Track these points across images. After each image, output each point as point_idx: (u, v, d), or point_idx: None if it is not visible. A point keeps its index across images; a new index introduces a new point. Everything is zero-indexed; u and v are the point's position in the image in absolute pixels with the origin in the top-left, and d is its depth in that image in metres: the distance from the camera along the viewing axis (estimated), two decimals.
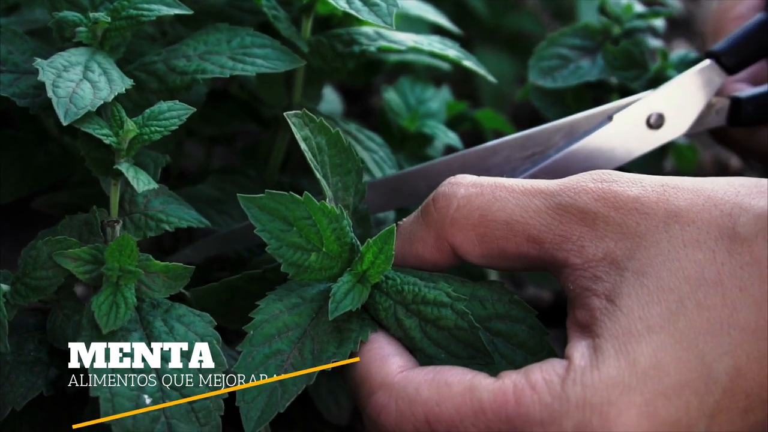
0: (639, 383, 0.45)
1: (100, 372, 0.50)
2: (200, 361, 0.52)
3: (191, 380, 0.51)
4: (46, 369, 0.54)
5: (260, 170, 0.71)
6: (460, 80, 0.99)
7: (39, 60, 0.53)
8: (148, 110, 0.55)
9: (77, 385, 0.54)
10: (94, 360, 0.50)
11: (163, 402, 0.50)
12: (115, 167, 0.53)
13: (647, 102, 0.62)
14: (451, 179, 0.54)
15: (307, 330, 0.52)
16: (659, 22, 0.78)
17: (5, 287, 0.52)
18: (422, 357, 0.52)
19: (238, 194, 0.52)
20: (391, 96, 0.79)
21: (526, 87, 0.76)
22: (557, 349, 0.52)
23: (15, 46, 0.57)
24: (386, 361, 0.51)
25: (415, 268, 0.55)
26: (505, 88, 1.05)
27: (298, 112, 0.55)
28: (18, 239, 0.60)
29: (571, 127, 0.62)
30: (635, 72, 0.72)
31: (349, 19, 0.68)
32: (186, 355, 0.52)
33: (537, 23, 1.12)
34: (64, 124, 0.51)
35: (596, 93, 0.76)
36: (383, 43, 0.66)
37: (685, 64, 0.72)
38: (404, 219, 0.56)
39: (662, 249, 0.48)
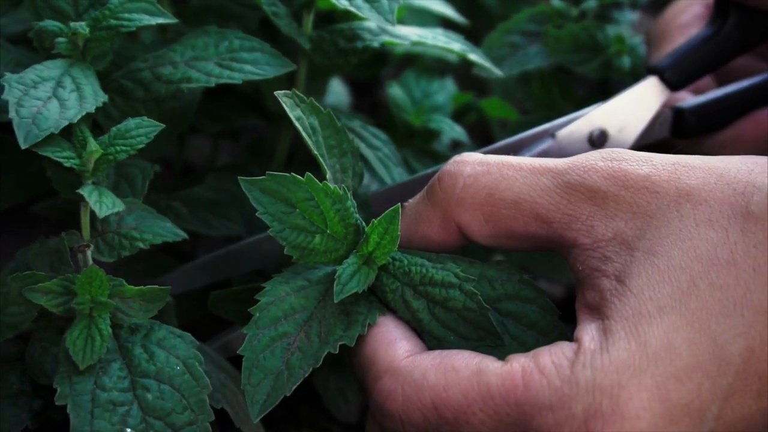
0: (650, 365, 0.43)
1: (79, 408, 0.47)
2: (183, 386, 0.49)
3: (175, 408, 0.49)
4: (30, 401, 0.51)
5: (264, 166, 0.67)
6: (468, 69, 0.95)
7: (8, 75, 0.50)
8: (114, 128, 0.51)
9: (63, 415, 0.53)
10: (73, 396, 0.47)
11: None
12: (77, 191, 0.49)
13: (590, 119, 0.60)
14: (457, 158, 0.52)
15: (314, 312, 0.50)
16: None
17: None
18: (431, 339, 0.50)
19: (239, 177, 0.49)
20: (395, 91, 0.76)
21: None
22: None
23: (1, 60, 0.54)
24: (393, 345, 0.49)
25: (422, 249, 0.52)
26: (510, 78, 1.00)
27: (289, 92, 0.52)
28: (19, 235, 0.60)
29: (515, 147, 0.60)
30: (583, 55, 0.69)
31: (351, 14, 0.64)
32: (169, 381, 0.49)
33: None
34: (23, 147, 0.48)
35: (564, 79, 0.72)
36: (386, 38, 0.63)
37: (638, 54, 0.69)
38: (409, 200, 0.54)
39: (673, 228, 0.46)
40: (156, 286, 0.51)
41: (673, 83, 0.61)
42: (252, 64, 0.56)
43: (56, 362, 0.50)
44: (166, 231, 0.54)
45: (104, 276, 0.48)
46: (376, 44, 0.62)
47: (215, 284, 0.59)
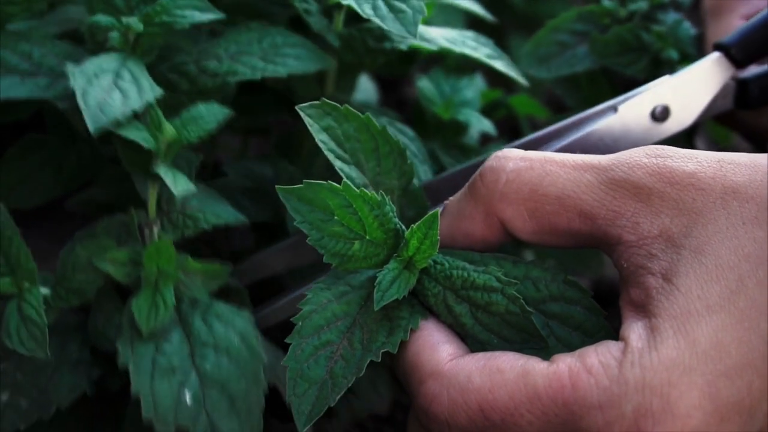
0: (700, 364, 0.43)
1: (141, 371, 0.48)
2: (240, 357, 0.50)
3: (231, 377, 0.50)
4: (89, 369, 0.52)
5: (294, 160, 0.67)
6: (492, 68, 0.96)
7: (70, 65, 0.51)
8: (185, 112, 0.53)
9: (120, 383, 0.54)
10: (135, 359, 0.49)
11: (204, 399, 0.49)
12: (153, 171, 0.51)
13: (653, 94, 0.59)
14: (499, 153, 0.51)
15: (356, 318, 0.49)
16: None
17: (45, 291, 0.51)
18: (474, 343, 0.49)
19: (276, 186, 0.49)
20: (425, 84, 0.75)
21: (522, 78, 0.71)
22: None
23: (47, 49, 0.55)
24: (436, 348, 0.48)
25: (465, 246, 0.52)
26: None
27: (316, 102, 0.52)
28: (52, 232, 0.60)
29: (580, 122, 0.59)
30: (630, 57, 0.68)
31: None
32: (226, 352, 0.50)
33: (569, 9, 1.08)
34: (93, 132, 0.49)
35: (612, 77, 0.71)
36: (414, 42, 0.62)
37: (686, 42, 0.68)
38: (451, 198, 0.53)
39: (720, 226, 0.45)
40: (218, 264, 0.53)
41: (738, 60, 0.60)
42: (295, 58, 0.57)
43: (119, 330, 0.51)
44: (228, 214, 0.56)
45: (172, 249, 0.50)
46: (404, 47, 0.62)
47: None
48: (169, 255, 0.50)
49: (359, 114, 0.54)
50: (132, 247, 0.51)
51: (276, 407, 0.65)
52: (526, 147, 0.57)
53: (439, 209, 0.49)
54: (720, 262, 0.44)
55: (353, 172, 0.54)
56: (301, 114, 0.52)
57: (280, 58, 0.57)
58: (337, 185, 0.49)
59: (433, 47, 0.64)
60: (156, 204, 0.54)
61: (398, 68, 0.78)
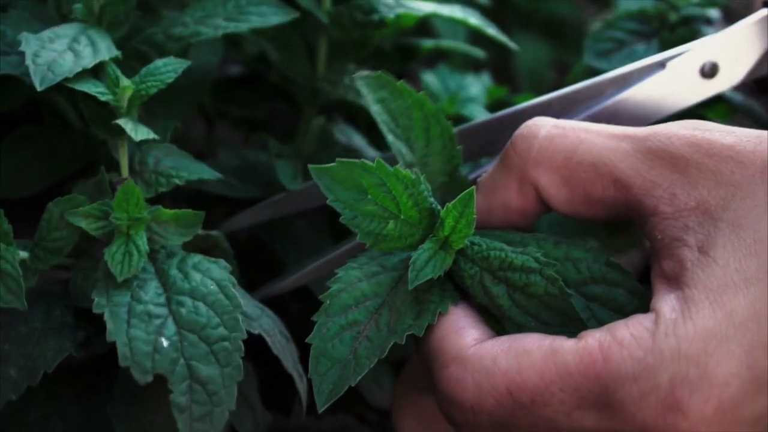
0: (737, 334, 0.42)
1: (116, 318, 0.47)
2: (217, 304, 0.49)
3: (208, 323, 0.48)
4: (74, 331, 0.52)
5: (295, 148, 0.67)
6: (497, 66, 0.95)
7: (25, 33, 0.52)
8: (144, 68, 0.53)
9: (106, 345, 0.54)
10: (110, 307, 0.48)
11: (181, 345, 0.48)
12: (114, 122, 0.51)
13: (702, 50, 0.58)
14: (529, 122, 0.50)
15: (385, 300, 0.48)
16: (714, 12, 0.74)
17: (24, 254, 0.52)
18: (511, 325, 0.48)
19: (309, 165, 0.48)
20: (430, 79, 0.76)
21: (576, 70, 0.73)
22: None
23: (20, 29, 0.55)
24: (461, 333, 0.47)
25: (502, 220, 0.51)
26: (541, 72, 1.00)
27: (371, 73, 0.52)
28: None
29: (624, 79, 0.58)
30: None
31: None
32: (202, 299, 0.49)
33: (573, 8, 1.08)
34: (39, 88, 0.49)
35: None
36: (401, 10, 0.63)
37: None
38: (483, 174, 0.52)
39: (759, 200, 0.44)
40: (191, 210, 0.52)
41: None
42: (257, 15, 0.58)
43: (96, 283, 0.51)
44: (202, 170, 0.56)
45: (140, 192, 0.50)
46: (391, 15, 0.62)
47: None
48: (137, 200, 0.49)
49: (414, 91, 0.53)
50: (104, 201, 0.51)
51: (277, 400, 0.65)
52: (569, 99, 0.57)
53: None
54: (759, 236, 0.43)
55: (403, 148, 0.53)
56: (358, 83, 0.52)
57: (243, 15, 0.58)
58: (371, 163, 0.48)
59: (420, 13, 0.64)
60: (129, 165, 0.54)
61: (399, 62, 0.78)
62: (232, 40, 0.69)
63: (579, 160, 0.48)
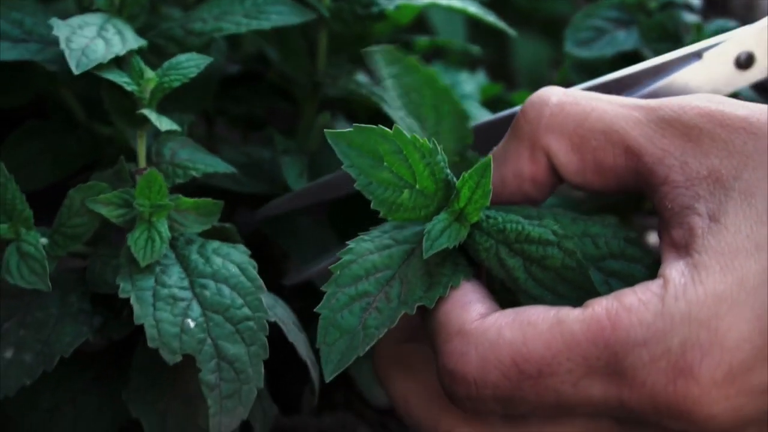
0: (749, 299, 0.41)
1: (142, 301, 0.48)
2: (239, 286, 0.50)
3: (233, 303, 0.50)
4: (91, 317, 0.52)
5: (297, 143, 0.68)
6: (495, 63, 0.96)
7: (55, 19, 0.53)
8: (166, 62, 0.54)
9: (122, 331, 0.54)
10: (135, 291, 0.48)
11: (207, 326, 0.49)
12: (138, 112, 0.52)
13: (737, 40, 0.58)
14: (539, 91, 0.49)
15: (397, 272, 0.47)
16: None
17: (44, 240, 0.52)
18: (527, 299, 0.47)
19: (325, 130, 0.48)
20: None
21: (563, 70, 0.74)
22: None
23: (39, 18, 0.56)
24: (467, 307, 0.46)
25: (516, 191, 0.50)
26: (540, 71, 1.01)
27: (382, 48, 0.52)
28: (52, 214, 0.60)
29: (660, 69, 0.58)
30: (669, 44, 0.70)
31: None
32: (225, 281, 0.50)
33: (572, 6, 1.09)
34: (76, 72, 0.50)
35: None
36: (401, 1, 0.64)
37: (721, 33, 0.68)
38: (494, 148, 0.52)
39: None
40: (210, 200, 0.53)
41: None
42: (277, 14, 0.59)
43: (116, 271, 0.51)
44: (217, 164, 0.57)
45: (162, 180, 0.51)
46: (391, 7, 0.63)
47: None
48: (159, 187, 0.50)
49: (424, 68, 0.54)
50: (125, 188, 0.52)
51: (280, 397, 0.65)
52: (602, 88, 0.57)
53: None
54: None
55: (414, 124, 0.53)
56: (371, 56, 0.52)
57: (263, 14, 0.59)
58: (388, 130, 0.48)
59: (420, 3, 0.66)
60: (146, 156, 0.55)
61: None
62: (230, 40, 0.71)
63: (590, 127, 0.48)
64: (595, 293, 0.46)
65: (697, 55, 0.58)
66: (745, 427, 0.42)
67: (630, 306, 0.42)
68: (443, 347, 0.45)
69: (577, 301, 0.45)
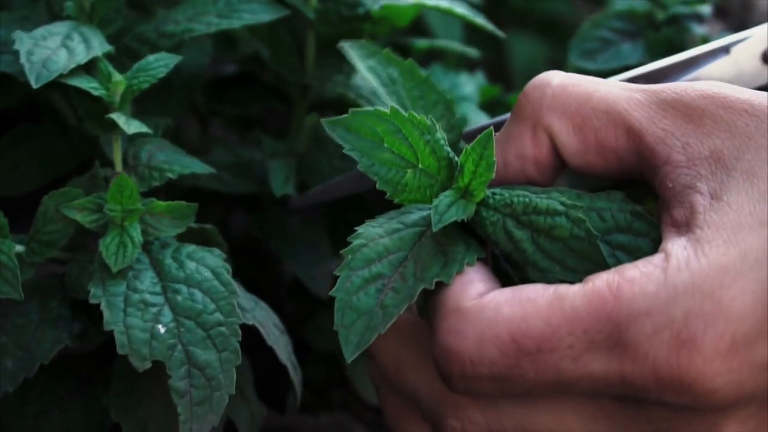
0: (753, 271, 0.40)
1: (113, 307, 0.48)
2: (212, 291, 0.50)
3: (205, 309, 0.49)
4: (70, 323, 0.52)
5: (289, 144, 0.68)
6: (492, 65, 0.95)
7: (18, 32, 0.53)
8: (135, 64, 0.53)
9: (101, 336, 0.54)
10: (106, 296, 0.48)
11: (178, 332, 0.48)
12: (107, 117, 0.51)
13: (763, 36, 0.57)
14: (541, 74, 0.49)
15: (409, 254, 0.46)
16: (705, 9, 0.74)
17: (20, 247, 0.52)
18: (534, 271, 0.46)
19: (321, 119, 0.47)
20: None
21: (567, 69, 0.73)
22: None
23: (12, 29, 0.56)
24: (466, 286, 0.45)
25: (519, 172, 0.50)
26: (537, 71, 1.01)
27: (358, 41, 0.52)
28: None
29: (687, 63, 0.58)
30: None
31: None
32: (197, 286, 0.50)
33: (569, 6, 1.08)
34: (35, 86, 0.50)
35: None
36: (386, 2, 0.63)
37: None
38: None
39: None
40: (184, 202, 0.53)
41: None
42: (249, 12, 0.58)
43: (91, 275, 0.51)
44: (194, 165, 0.56)
45: (133, 184, 0.50)
46: (376, 7, 0.63)
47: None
48: (131, 192, 0.50)
49: (401, 60, 0.53)
50: (98, 194, 0.52)
51: (273, 398, 0.65)
52: (638, 81, 0.56)
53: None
54: None
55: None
56: (346, 51, 0.51)
57: (235, 13, 0.59)
58: (385, 111, 0.47)
59: (405, 4, 0.65)
60: (123, 160, 0.55)
61: None
62: (226, 40, 0.70)
63: (592, 107, 0.47)
64: (604, 265, 0.44)
65: (725, 50, 0.57)
66: (746, 403, 0.42)
67: (632, 278, 0.42)
68: (439, 325, 0.44)
69: (586, 275, 0.44)
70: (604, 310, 0.41)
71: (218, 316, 0.50)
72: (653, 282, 0.41)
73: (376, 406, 0.69)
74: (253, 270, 0.68)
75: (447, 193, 0.47)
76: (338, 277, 0.45)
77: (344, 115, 0.47)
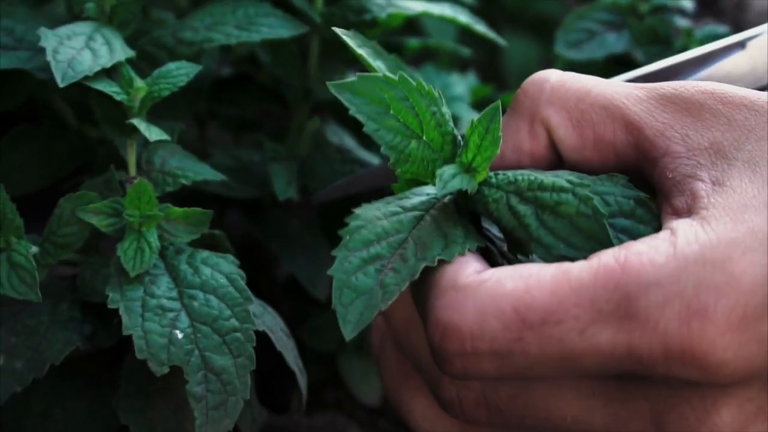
0: (761, 247, 0.40)
1: (131, 312, 0.49)
2: (227, 297, 0.51)
3: (220, 315, 0.50)
4: (81, 325, 0.52)
5: (288, 147, 0.68)
6: (485, 65, 0.96)
7: (44, 29, 0.53)
8: (156, 71, 0.54)
9: (111, 338, 0.55)
10: (124, 301, 0.49)
11: (195, 337, 0.49)
12: (128, 122, 0.52)
13: None
14: (539, 72, 0.49)
15: (409, 236, 0.45)
16: (687, 2, 0.76)
17: (34, 248, 0.52)
18: (538, 248, 0.45)
19: (327, 82, 0.47)
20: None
21: (556, 65, 0.73)
22: None
23: (29, 26, 0.56)
24: (463, 265, 0.43)
25: (514, 166, 0.49)
26: (530, 71, 1.02)
27: (350, 31, 0.52)
28: (44, 218, 0.61)
29: (704, 59, 0.58)
30: (660, 47, 0.71)
31: None
32: (213, 292, 0.50)
33: (562, 6, 1.09)
34: (61, 85, 0.50)
35: (623, 69, 0.74)
36: (392, 10, 0.64)
37: (711, 40, 0.68)
38: None
39: None
40: (200, 209, 0.54)
41: None
42: (268, 26, 0.59)
43: (106, 280, 0.51)
44: (207, 171, 0.57)
45: (152, 191, 0.51)
46: (383, 15, 0.64)
47: None
48: (149, 197, 0.50)
49: (386, 54, 0.54)
50: (114, 198, 0.52)
51: (268, 399, 0.66)
52: (644, 80, 0.56)
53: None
54: None
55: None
56: (341, 36, 0.52)
57: (254, 26, 0.59)
58: (393, 77, 0.47)
59: (411, 12, 0.66)
60: (136, 164, 0.56)
61: None
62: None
63: (591, 102, 0.47)
64: (610, 245, 0.43)
65: (741, 45, 0.58)
66: (749, 382, 0.41)
67: (639, 251, 0.41)
68: (437, 302, 0.42)
69: (591, 254, 0.43)
70: (612, 280, 0.40)
71: (234, 322, 0.51)
72: (662, 254, 0.40)
73: (369, 406, 0.70)
74: (250, 270, 0.68)
75: (451, 165, 0.46)
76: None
77: (351, 79, 0.47)
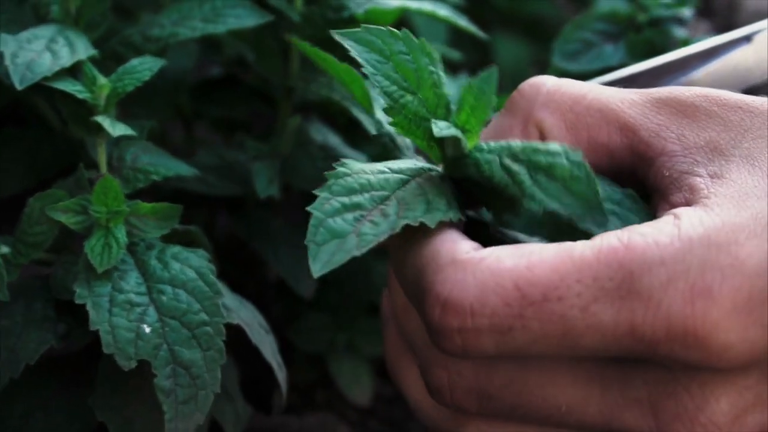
0: (764, 232, 0.39)
1: (98, 307, 0.48)
2: (197, 291, 0.50)
3: (189, 308, 0.50)
4: (55, 324, 0.52)
5: (273, 146, 0.67)
6: (477, 66, 0.96)
7: (3, 34, 0.53)
8: (120, 68, 0.54)
9: (86, 338, 0.55)
10: (92, 297, 0.49)
11: (163, 331, 0.49)
12: (92, 119, 0.52)
13: None
14: (536, 77, 0.49)
15: (392, 195, 0.45)
16: (687, 11, 0.75)
17: (5, 249, 0.52)
18: (531, 204, 0.44)
19: (330, 30, 0.47)
20: None
21: (550, 71, 0.73)
22: None
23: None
24: (457, 242, 0.43)
25: None
26: (522, 72, 1.02)
27: (346, 30, 0.53)
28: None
29: (709, 53, 0.58)
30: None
31: None
32: (182, 286, 0.50)
33: (553, 7, 1.08)
34: (19, 88, 0.51)
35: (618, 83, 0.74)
36: (370, 5, 0.64)
37: None
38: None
39: None
40: (168, 204, 0.54)
41: None
42: (234, 17, 0.59)
43: (76, 276, 0.52)
44: (179, 167, 0.57)
45: (118, 186, 0.51)
46: (360, 11, 0.63)
47: None
48: (115, 193, 0.50)
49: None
50: (83, 195, 0.52)
51: (258, 400, 0.66)
52: (652, 74, 0.57)
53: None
54: None
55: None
56: (335, 36, 0.51)
57: (220, 17, 0.59)
58: (397, 31, 0.47)
59: (389, 7, 0.65)
60: (108, 163, 0.56)
61: None
62: (210, 43, 0.71)
63: (586, 105, 0.47)
64: (601, 210, 0.43)
65: (747, 39, 0.57)
66: (751, 367, 0.40)
67: (644, 232, 0.40)
68: (434, 278, 0.41)
69: (582, 217, 0.43)
70: (615, 259, 0.39)
71: (203, 315, 0.50)
72: (666, 234, 0.40)
73: (360, 406, 0.69)
74: (239, 271, 0.68)
75: (444, 122, 0.46)
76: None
77: (356, 29, 0.47)
